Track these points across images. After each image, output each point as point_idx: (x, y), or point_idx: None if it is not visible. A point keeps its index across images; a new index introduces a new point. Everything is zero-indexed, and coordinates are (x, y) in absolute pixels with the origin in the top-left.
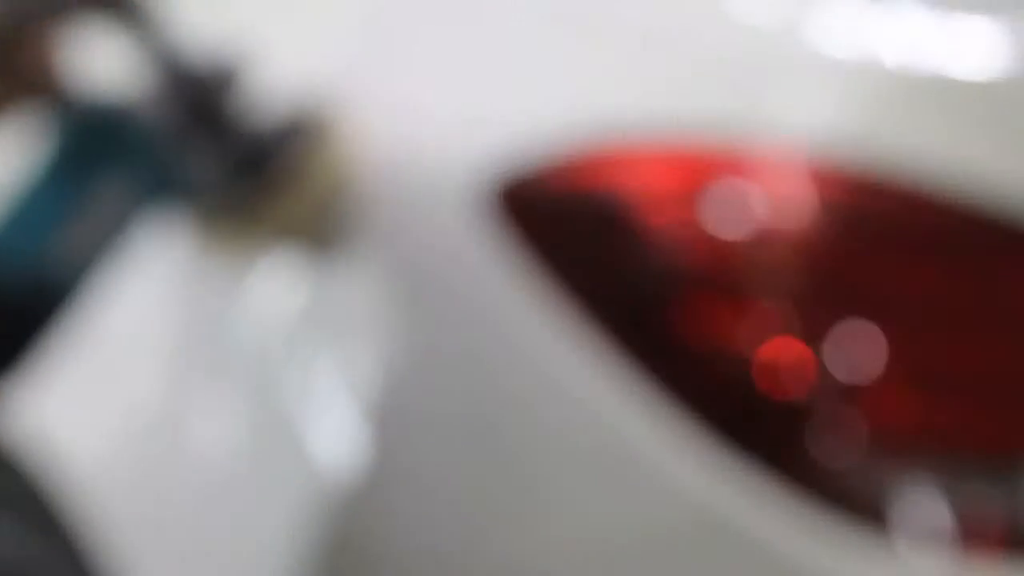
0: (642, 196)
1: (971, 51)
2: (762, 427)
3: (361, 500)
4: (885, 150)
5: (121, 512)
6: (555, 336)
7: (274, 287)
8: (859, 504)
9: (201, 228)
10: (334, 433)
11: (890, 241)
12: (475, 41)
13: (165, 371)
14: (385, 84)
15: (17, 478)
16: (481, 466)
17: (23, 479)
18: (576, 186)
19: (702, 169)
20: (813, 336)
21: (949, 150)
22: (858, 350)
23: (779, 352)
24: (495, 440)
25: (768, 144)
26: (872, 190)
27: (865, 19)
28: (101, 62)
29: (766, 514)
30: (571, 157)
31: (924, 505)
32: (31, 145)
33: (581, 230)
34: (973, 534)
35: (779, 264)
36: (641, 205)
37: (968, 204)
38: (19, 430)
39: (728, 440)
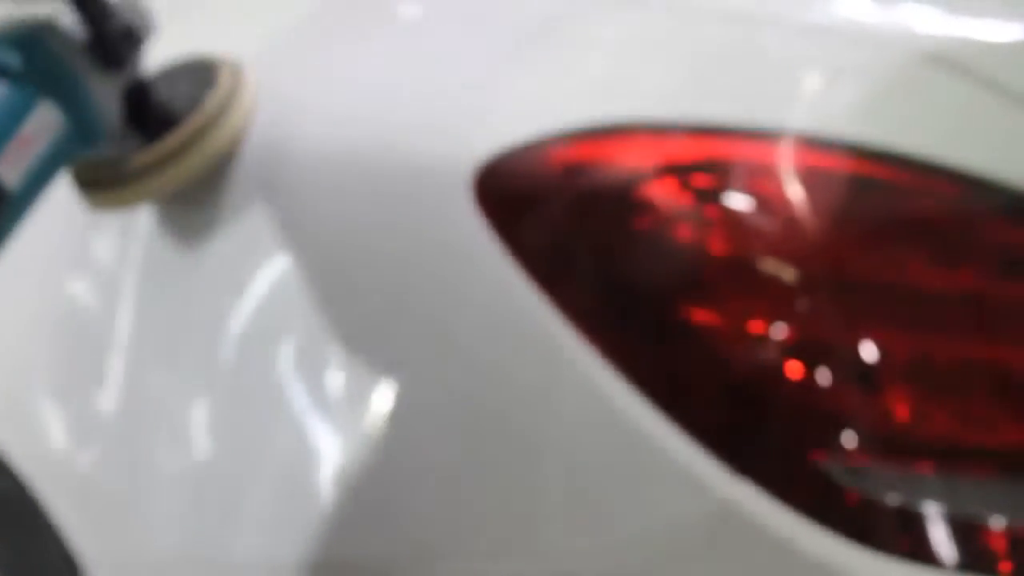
0: (642, 172)
1: (980, 32)
2: (763, 422)
3: (362, 500)
4: (896, 132)
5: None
6: (555, 327)
7: (260, 284)
8: (865, 502)
9: (87, 174)
10: (331, 434)
11: (899, 228)
12: (467, 34)
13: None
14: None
15: None
16: (483, 465)
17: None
18: (571, 162)
19: (706, 147)
20: (817, 329)
21: (960, 133)
22: (863, 345)
23: (782, 344)
24: (497, 439)
25: (772, 130)
26: (883, 173)
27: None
28: None
29: (771, 511)
30: (568, 137)
31: (926, 504)
32: None
33: (577, 210)
34: (975, 536)
35: (784, 253)
36: (642, 182)
37: (979, 193)
38: None
39: (728, 436)
